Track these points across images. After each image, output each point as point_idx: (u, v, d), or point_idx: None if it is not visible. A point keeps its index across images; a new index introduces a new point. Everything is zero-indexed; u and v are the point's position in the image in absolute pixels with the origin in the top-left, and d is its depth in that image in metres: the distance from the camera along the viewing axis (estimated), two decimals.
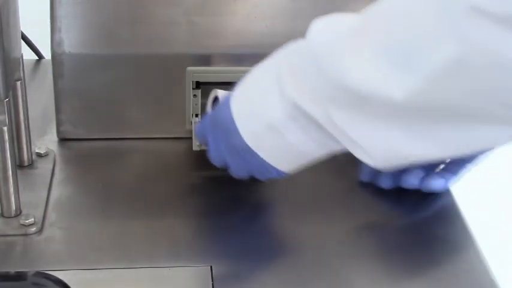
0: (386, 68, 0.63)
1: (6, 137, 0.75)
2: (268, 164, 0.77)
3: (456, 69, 0.59)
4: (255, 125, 0.75)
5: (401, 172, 0.84)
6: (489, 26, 0.56)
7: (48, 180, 0.85)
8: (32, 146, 0.87)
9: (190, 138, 0.87)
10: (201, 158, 0.86)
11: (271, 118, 0.73)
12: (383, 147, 0.70)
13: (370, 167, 0.82)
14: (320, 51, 0.69)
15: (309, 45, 0.70)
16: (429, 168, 0.85)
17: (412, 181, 0.84)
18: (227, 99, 0.77)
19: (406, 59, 0.62)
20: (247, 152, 0.76)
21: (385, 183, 0.85)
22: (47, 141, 0.92)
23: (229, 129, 0.76)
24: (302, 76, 0.71)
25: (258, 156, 0.76)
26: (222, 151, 0.79)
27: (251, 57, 0.85)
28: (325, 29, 0.70)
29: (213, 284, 0.73)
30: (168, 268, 0.74)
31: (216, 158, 0.81)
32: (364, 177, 0.86)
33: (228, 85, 0.81)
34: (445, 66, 0.59)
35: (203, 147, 0.84)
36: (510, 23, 0.55)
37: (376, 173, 0.85)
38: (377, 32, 0.65)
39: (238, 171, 0.80)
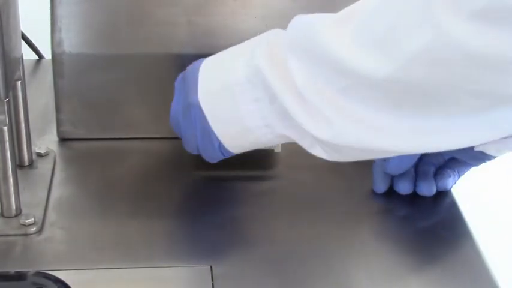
0: (363, 47, 0.65)
1: (6, 137, 0.75)
2: (212, 131, 0.77)
3: (427, 56, 0.61)
4: (213, 83, 0.76)
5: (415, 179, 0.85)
6: (462, 19, 0.58)
7: (48, 180, 0.85)
8: (32, 146, 0.87)
9: None
10: (201, 158, 0.86)
11: (230, 79, 0.75)
12: (349, 121, 0.69)
13: (382, 176, 0.83)
14: (302, 25, 0.71)
15: (290, 26, 0.72)
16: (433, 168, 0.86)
17: (430, 189, 0.85)
18: (204, 58, 0.79)
19: (382, 41, 0.64)
20: (197, 112, 0.77)
21: (403, 188, 0.85)
22: (47, 141, 0.92)
23: (191, 83, 0.78)
24: (276, 48, 0.73)
25: (205, 118, 0.77)
26: (179, 108, 0.80)
27: None
28: (308, 17, 0.72)
29: (213, 284, 0.73)
30: (168, 268, 0.74)
31: (172, 114, 0.82)
32: (379, 188, 0.85)
33: None
34: (417, 52, 0.61)
35: None
36: (479, 17, 0.57)
37: (389, 181, 0.85)
38: (358, 15, 0.67)
39: (186, 135, 0.81)
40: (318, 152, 0.73)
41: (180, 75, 0.83)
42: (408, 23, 0.62)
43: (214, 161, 0.81)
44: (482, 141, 0.68)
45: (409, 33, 0.61)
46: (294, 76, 0.70)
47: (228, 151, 0.79)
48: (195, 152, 0.82)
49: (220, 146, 0.78)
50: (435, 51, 0.60)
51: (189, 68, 0.80)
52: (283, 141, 0.77)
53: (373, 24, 0.65)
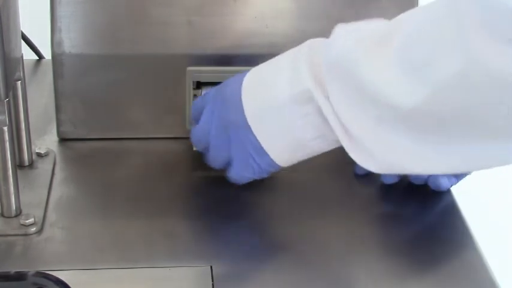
0: (398, 74, 0.66)
1: (6, 137, 0.75)
2: (261, 147, 0.77)
3: (460, 82, 0.61)
4: (259, 104, 0.76)
5: None
6: (494, 44, 0.58)
7: (49, 180, 0.85)
8: (32, 146, 0.87)
9: None
10: (201, 158, 0.86)
11: (276, 99, 0.74)
12: (388, 151, 0.70)
13: None
14: (339, 51, 0.71)
15: (330, 43, 0.72)
16: None
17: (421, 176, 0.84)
18: (241, 75, 0.78)
19: (417, 68, 0.64)
20: (242, 129, 0.77)
21: (388, 178, 0.85)
22: (47, 141, 0.92)
23: (232, 102, 0.77)
24: (317, 68, 0.72)
25: (253, 134, 0.76)
26: (212, 125, 0.79)
27: (251, 57, 0.85)
28: (347, 33, 0.72)
29: (213, 284, 0.73)
30: (168, 268, 0.74)
31: (200, 132, 0.81)
32: (360, 169, 0.84)
33: None
34: (450, 79, 0.62)
35: None
36: None
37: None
38: (394, 41, 0.67)
39: (217, 153, 0.80)
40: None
41: (211, 91, 0.82)
42: (442, 49, 0.62)
43: (245, 181, 0.81)
44: None
45: (442, 59, 0.62)
46: (332, 101, 0.71)
47: (277, 166, 0.79)
48: (221, 167, 0.82)
49: (269, 163, 0.78)
50: (468, 77, 0.60)
51: (228, 82, 0.79)
52: (337, 145, 0.76)
53: (409, 52, 0.65)
